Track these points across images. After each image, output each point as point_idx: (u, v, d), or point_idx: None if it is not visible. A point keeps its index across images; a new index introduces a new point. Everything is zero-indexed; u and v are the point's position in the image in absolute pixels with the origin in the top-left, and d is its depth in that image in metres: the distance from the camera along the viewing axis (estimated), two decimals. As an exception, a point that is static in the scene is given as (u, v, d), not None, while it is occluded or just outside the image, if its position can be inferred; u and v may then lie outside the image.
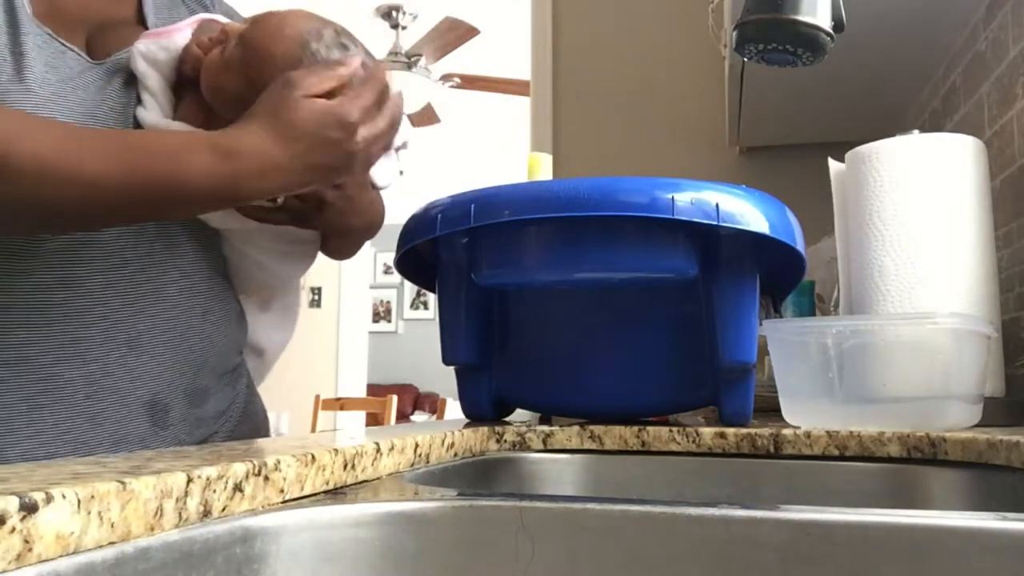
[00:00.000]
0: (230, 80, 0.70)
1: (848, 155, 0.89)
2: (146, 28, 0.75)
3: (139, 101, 0.71)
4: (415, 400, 7.07)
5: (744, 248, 0.72)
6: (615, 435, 0.71)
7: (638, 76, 1.92)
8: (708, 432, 0.69)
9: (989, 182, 0.86)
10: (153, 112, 0.71)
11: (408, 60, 3.93)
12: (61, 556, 0.27)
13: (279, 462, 0.40)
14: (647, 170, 1.03)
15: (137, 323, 0.69)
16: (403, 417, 6.37)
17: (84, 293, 0.67)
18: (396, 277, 7.28)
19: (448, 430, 0.65)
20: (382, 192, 0.84)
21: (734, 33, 0.89)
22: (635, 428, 0.71)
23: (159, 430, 0.71)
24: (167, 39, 0.72)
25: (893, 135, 0.86)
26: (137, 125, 0.70)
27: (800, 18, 0.84)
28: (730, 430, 0.69)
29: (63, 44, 0.68)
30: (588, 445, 0.71)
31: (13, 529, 0.26)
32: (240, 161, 0.61)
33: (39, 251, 0.66)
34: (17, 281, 0.65)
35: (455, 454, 0.64)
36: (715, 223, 0.66)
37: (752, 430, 0.68)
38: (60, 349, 0.66)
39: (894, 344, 0.72)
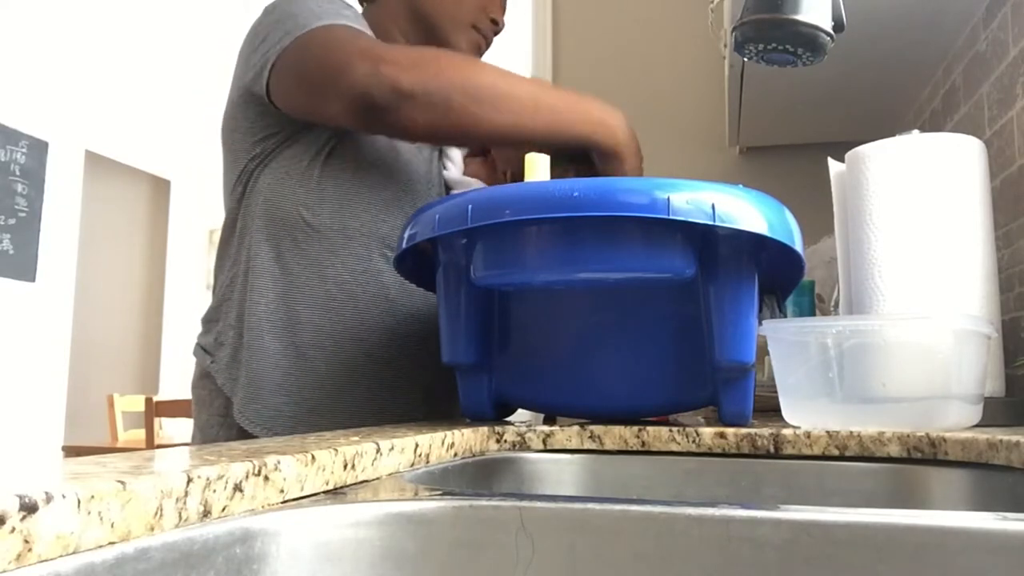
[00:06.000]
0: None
1: (848, 155, 0.88)
2: None
3: (443, 166, 1.10)
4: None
5: (742, 248, 0.72)
6: (615, 435, 0.71)
7: (638, 76, 1.92)
8: (708, 432, 0.69)
9: (989, 182, 0.86)
10: (453, 170, 1.09)
11: (408, 60, 3.93)
12: (61, 556, 0.27)
13: (279, 462, 0.40)
14: (646, 170, 1.03)
15: None
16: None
17: None
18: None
19: (448, 430, 0.65)
20: None
21: (734, 33, 0.89)
22: (635, 428, 0.71)
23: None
24: None
25: (893, 135, 0.86)
26: (442, 180, 1.08)
27: (800, 18, 0.84)
28: (730, 430, 0.69)
29: None
30: (588, 445, 0.71)
31: (13, 529, 0.26)
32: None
33: None
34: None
35: (455, 454, 0.64)
36: (711, 223, 0.66)
37: (752, 430, 0.68)
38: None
39: (894, 344, 0.72)
